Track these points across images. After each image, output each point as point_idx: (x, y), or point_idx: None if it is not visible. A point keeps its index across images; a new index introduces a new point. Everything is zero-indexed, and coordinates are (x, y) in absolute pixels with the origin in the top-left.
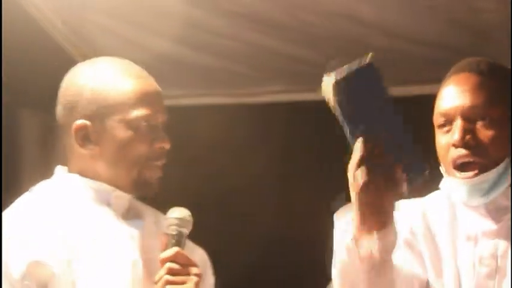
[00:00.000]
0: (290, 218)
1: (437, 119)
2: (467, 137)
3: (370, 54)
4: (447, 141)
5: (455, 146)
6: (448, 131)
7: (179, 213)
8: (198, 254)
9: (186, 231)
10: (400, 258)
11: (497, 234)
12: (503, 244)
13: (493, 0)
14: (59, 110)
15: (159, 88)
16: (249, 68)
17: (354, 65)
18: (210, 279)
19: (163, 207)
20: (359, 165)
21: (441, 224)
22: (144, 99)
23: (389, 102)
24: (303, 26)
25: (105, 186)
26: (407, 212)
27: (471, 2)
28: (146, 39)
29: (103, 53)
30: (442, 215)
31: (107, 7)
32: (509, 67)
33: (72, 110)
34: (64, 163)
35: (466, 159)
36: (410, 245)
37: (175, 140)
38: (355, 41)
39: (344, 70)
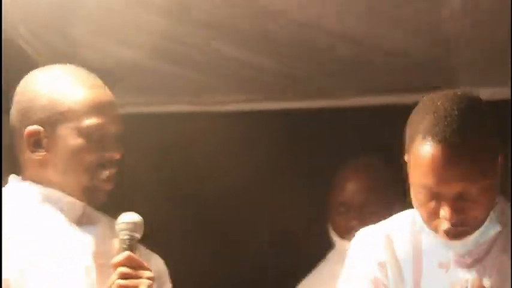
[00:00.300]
0: (255, 226)
1: (417, 184)
2: (458, 215)
3: None
4: (432, 209)
5: (445, 219)
6: (432, 197)
7: (130, 217)
8: (154, 260)
9: (137, 235)
10: None
11: (470, 264)
12: (475, 270)
13: (455, 11)
14: (12, 114)
15: (113, 98)
16: (211, 77)
17: None
18: (167, 286)
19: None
20: None
21: (405, 251)
22: (97, 108)
23: None
24: (267, 35)
25: (57, 193)
26: (370, 243)
27: (434, 12)
28: (109, 46)
29: (65, 60)
30: (406, 242)
31: (70, 14)
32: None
33: (26, 115)
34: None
35: (456, 231)
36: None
37: (139, 147)
38: (319, 50)
39: None
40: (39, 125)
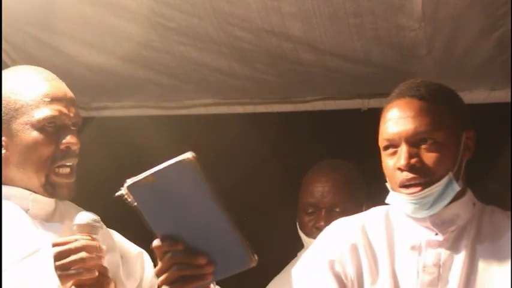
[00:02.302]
0: None
1: (382, 143)
2: (412, 160)
3: (189, 155)
4: (393, 164)
5: (401, 170)
6: (393, 154)
7: (86, 218)
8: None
9: (95, 236)
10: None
11: (440, 245)
12: (445, 254)
13: (416, 18)
14: None
15: (68, 91)
16: (179, 81)
17: (166, 164)
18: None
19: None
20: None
21: (379, 236)
22: (50, 101)
23: (209, 197)
24: (233, 41)
25: (21, 191)
26: (347, 228)
27: (395, 20)
28: (79, 51)
29: (37, 65)
30: (380, 228)
31: (42, 20)
32: (442, 86)
33: None
34: None
35: (412, 181)
36: (332, 268)
37: (109, 150)
38: (284, 56)
39: (143, 174)
40: (4, 124)
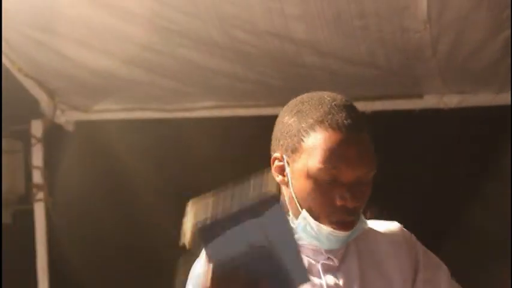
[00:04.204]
0: None
1: (324, 175)
2: (356, 202)
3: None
4: (332, 198)
5: (345, 210)
6: (333, 187)
7: None
8: None
9: None
10: None
11: (336, 268)
12: (341, 274)
13: (421, 21)
14: None
15: None
16: (181, 84)
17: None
18: None
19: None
20: None
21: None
22: None
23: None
24: (236, 44)
25: None
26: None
27: (400, 22)
28: (81, 53)
29: (39, 68)
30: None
31: (43, 23)
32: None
33: None
34: None
35: (349, 220)
36: None
37: (110, 153)
38: (287, 59)
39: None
40: None
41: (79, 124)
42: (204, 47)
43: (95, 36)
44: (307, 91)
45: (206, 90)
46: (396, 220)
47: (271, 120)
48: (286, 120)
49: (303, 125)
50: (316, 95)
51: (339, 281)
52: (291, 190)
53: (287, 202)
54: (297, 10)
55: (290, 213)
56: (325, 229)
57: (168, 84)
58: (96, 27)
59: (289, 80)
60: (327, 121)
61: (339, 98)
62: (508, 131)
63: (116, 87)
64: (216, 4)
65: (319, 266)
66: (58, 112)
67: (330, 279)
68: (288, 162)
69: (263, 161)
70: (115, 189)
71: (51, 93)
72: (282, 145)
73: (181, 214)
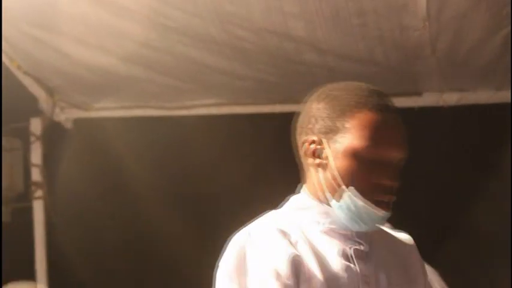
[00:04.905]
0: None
1: (368, 154)
2: (397, 183)
3: None
4: (376, 178)
5: (388, 189)
6: (376, 168)
7: None
8: None
9: None
10: None
11: (366, 256)
12: (371, 263)
13: (421, 18)
14: None
15: None
16: (180, 81)
17: None
18: None
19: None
20: None
21: (304, 246)
22: None
23: None
24: (235, 41)
25: None
26: (272, 239)
27: (399, 19)
28: (79, 51)
29: (38, 65)
30: (300, 237)
31: (42, 21)
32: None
33: None
34: None
35: (389, 200)
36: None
37: (110, 150)
38: (286, 57)
39: None
40: None
41: (78, 122)
42: (202, 44)
43: (94, 34)
44: (306, 88)
45: (205, 88)
46: (395, 218)
47: (270, 117)
48: (322, 105)
49: (345, 107)
50: (346, 83)
51: (368, 267)
52: (333, 170)
53: (323, 185)
54: (296, 8)
55: (326, 195)
56: (370, 207)
57: (166, 82)
58: (95, 24)
59: (287, 78)
60: (372, 103)
61: (370, 85)
62: (507, 129)
63: (114, 84)
64: (215, 1)
65: (351, 251)
66: (57, 110)
67: (361, 264)
68: (328, 144)
69: (262, 157)
70: (114, 187)
71: (50, 91)
72: (318, 128)
73: (179, 212)
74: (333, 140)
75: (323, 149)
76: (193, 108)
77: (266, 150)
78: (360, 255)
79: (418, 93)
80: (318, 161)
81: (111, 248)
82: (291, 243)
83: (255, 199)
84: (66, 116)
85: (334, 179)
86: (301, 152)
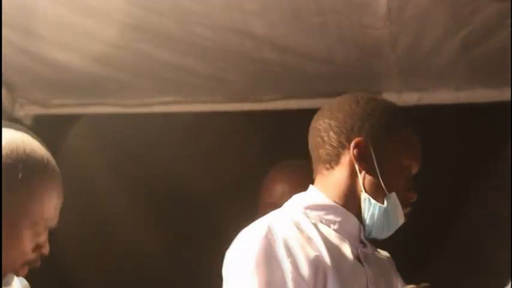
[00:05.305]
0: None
1: (406, 164)
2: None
3: None
4: (404, 189)
5: (410, 203)
6: (407, 176)
7: None
8: None
9: None
10: None
11: (370, 258)
12: (374, 265)
13: (381, 17)
14: None
15: None
16: (139, 79)
17: None
18: None
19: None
20: None
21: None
22: None
23: None
24: (194, 39)
25: None
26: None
27: (359, 18)
28: (37, 47)
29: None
30: (315, 235)
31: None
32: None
33: None
34: None
35: (408, 211)
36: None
37: (67, 148)
38: (246, 55)
39: None
40: None
41: (37, 118)
42: (162, 41)
43: (53, 30)
44: (266, 87)
45: (164, 86)
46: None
47: (230, 116)
48: (362, 107)
49: (392, 122)
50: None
51: (371, 269)
52: (379, 175)
53: (360, 187)
54: (256, 5)
55: (364, 196)
56: (401, 215)
57: (125, 79)
58: (54, 21)
59: (247, 76)
60: (404, 117)
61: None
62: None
63: (74, 81)
64: None
65: (358, 252)
66: (17, 106)
67: (366, 265)
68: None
69: (220, 156)
70: (72, 185)
71: (9, 87)
72: (366, 134)
73: (138, 209)
74: (378, 148)
75: (369, 154)
76: (152, 105)
77: (225, 149)
78: (365, 257)
79: (378, 93)
80: (363, 164)
81: (75, 251)
82: (310, 240)
83: (207, 196)
84: (25, 113)
85: (379, 183)
86: (333, 152)
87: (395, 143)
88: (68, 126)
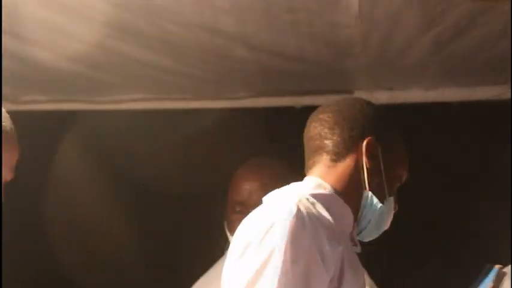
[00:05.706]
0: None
1: (402, 173)
2: None
3: None
4: (396, 192)
5: (396, 206)
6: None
7: None
8: None
9: None
10: None
11: (357, 256)
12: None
13: (352, 16)
14: None
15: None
16: (109, 75)
17: None
18: None
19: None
20: None
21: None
22: None
23: None
24: (164, 35)
25: None
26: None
27: (330, 16)
28: (8, 43)
29: None
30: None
31: None
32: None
33: None
34: None
35: None
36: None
37: (36, 145)
38: (215, 52)
39: None
40: None
41: None
42: (132, 38)
43: (21, 25)
44: (236, 85)
45: (134, 82)
46: None
47: (199, 113)
48: (374, 109)
49: (395, 126)
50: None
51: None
52: (383, 176)
53: (366, 185)
54: (227, 3)
55: (365, 192)
56: (390, 221)
57: (95, 76)
58: (23, 16)
59: (218, 73)
60: (395, 129)
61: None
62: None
63: (43, 77)
64: None
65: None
66: None
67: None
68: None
69: (190, 154)
70: (42, 181)
71: None
72: (377, 132)
73: (108, 207)
74: (385, 151)
75: (378, 155)
76: (122, 102)
77: (195, 146)
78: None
79: (349, 91)
80: (371, 162)
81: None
82: (331, 236)
83: (179, 193)
84: None
85: (382, 184)
86: (343, 145)
87: (398, 152)
88: (37, 123)
